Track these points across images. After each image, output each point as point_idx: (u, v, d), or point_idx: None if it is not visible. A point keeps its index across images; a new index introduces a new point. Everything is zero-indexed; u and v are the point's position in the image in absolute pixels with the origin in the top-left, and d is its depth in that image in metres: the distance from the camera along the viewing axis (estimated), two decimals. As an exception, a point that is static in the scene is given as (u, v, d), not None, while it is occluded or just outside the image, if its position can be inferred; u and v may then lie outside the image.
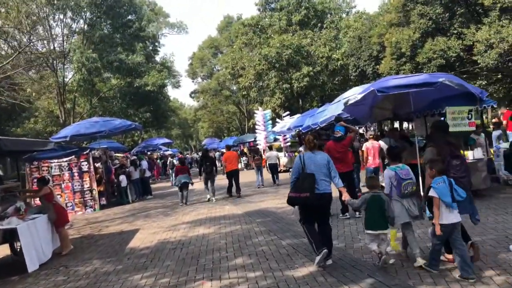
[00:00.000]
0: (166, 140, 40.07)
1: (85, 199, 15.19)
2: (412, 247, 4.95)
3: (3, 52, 28.97)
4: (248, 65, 28.21)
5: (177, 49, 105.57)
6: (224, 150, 21.31)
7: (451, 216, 4.34)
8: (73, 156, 15.13)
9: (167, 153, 38.05)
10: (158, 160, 30.85)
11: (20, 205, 7.30)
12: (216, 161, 17.09)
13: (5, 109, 38.75)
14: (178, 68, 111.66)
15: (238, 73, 30.74)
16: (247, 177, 18.45)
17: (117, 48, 29.17)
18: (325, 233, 5.32)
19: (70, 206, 15.07)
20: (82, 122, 17.25)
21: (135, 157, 21.61)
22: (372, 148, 10.04)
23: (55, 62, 28.09)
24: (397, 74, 19.47)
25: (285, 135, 23.96)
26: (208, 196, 13.46)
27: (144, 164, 18.35)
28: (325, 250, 5.03)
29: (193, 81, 58.66)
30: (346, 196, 5.29)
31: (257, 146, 25.65)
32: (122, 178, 16.26)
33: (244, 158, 29.75)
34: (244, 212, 10.18)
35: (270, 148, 18.19)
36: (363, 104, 8.26)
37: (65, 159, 15.11)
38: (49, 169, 15.05)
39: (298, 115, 20.69)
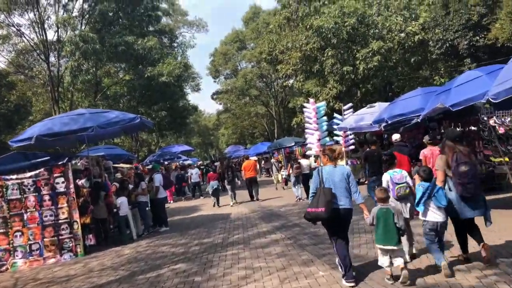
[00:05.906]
0: (187, 148, 35.23)
1: (61, 237, 9.84)
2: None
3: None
4: (292, 47, 22.34)
5: (195, 50, 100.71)
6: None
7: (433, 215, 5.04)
8: (42, 170, 9.82)
9: (186, 162, 32.48)
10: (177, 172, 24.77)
11: None
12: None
13: (5, 115, 34.50)
14: (197, 70, 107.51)
15: (277, 59, 24.92)
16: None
17: (123, 31, 23.88)
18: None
19: (37, 250, 9.68)
20: (59, 116, 11.78)
21: (149, 167, 15.89)
22: (431, 156, 7.80)
23: (47, 51, 23.06)
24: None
25: (347, 136, 18.31)
26: (231, 203, 15.69)
27: (158, 178, 12.46)
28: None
29: (215, 81, 53.30)
30: (366, 214, 5.35)
31: (308, 152, 19.73)
32: (121, 201, 10.82)
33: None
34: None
35: (304, 155, 15.82)
36: None
37: (29, 174, 9.79)
38: (3, 190, 9.66)
39: (379, 103, 14.81)
